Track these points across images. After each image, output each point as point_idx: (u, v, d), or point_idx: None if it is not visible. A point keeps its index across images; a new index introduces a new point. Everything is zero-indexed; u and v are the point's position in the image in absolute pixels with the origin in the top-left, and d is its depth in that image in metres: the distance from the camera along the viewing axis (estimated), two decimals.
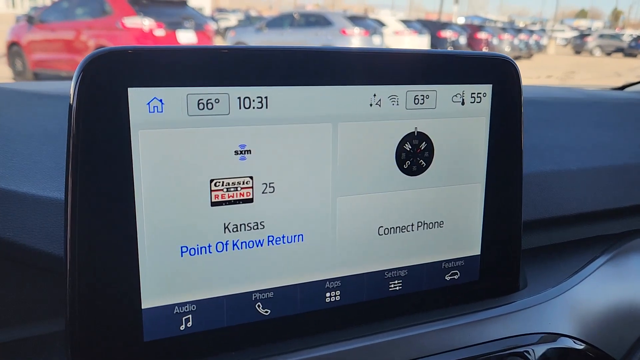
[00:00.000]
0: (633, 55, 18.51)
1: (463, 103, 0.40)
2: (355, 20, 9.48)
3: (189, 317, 0.35)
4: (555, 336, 0.44)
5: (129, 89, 0.31)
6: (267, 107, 0.34)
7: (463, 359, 0.40)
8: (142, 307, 0.33)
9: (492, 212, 0.43)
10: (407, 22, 12.48)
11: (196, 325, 0.35)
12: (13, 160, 0.41)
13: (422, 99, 0.39)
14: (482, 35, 14.58)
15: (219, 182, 0.34)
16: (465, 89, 0.40)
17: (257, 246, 0.36)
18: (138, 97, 0.31)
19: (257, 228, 0.35)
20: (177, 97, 0.32)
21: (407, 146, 0.39)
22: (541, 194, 0.53)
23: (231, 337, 0.36)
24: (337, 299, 0.39)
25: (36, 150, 0.43)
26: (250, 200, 0.35)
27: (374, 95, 0.37)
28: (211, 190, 0.34)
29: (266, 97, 0.34)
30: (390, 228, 0.40)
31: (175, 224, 0.33)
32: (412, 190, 0.40)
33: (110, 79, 0.30)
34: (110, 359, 0.33)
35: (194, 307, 0.35)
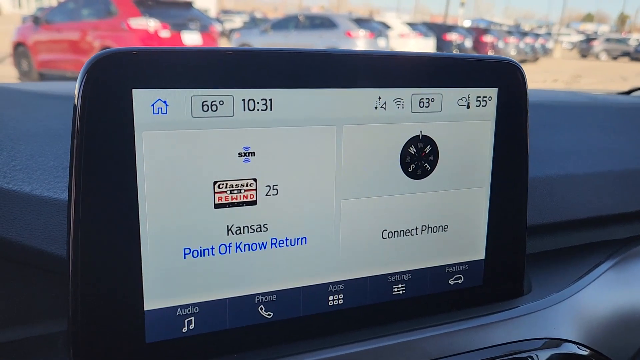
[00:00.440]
0: (639, 60, 18.46)
1: (468, 106, 0.40)
2: (361, 22, 9.48)
3: (191, 319, 0.35)
4: (559, 342, 0.44)
5: (134, 90, 0.31)
6: (271, 109, 0.34)
7: None
8: (145, 309, 0.33)
9: (497, 216, 0.43)
10: (412, 25, 12.48)
11: (199, 327, 0.35)
12: (17, 160, 0.41)
13: (428, 102, 0.38)
14: (487, 38, 14.56)
15: (223, 184, 0.34)
16: (471, 92, 0.40)
17: (261, 249, 0.35)
18: (142, 99, 0.31)
19: (261, 230, 0.35)
20: (181, 98, 0.32)
21: (412, 149, 0.39)
22: (546, 199, 0.53)
23: (234, 339, 0.36)
24: (340, 303, 0.39)
25: (40, 151, 0.43)
26: (254, 203, 0.35)
27: (379, 98, 0.37)
28: (215, 192, 0.34)
29: (271, 100, 0.34)
30: (394, 232, 0.39)
31: (178, 226, 0.33)
32: (417, 193, 0.39)
33: (114, 80, 0.30)
34: (112, 359, 0.33)
35: (196, 309, 0.35)
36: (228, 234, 0.34)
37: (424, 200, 0.40)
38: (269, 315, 0.37)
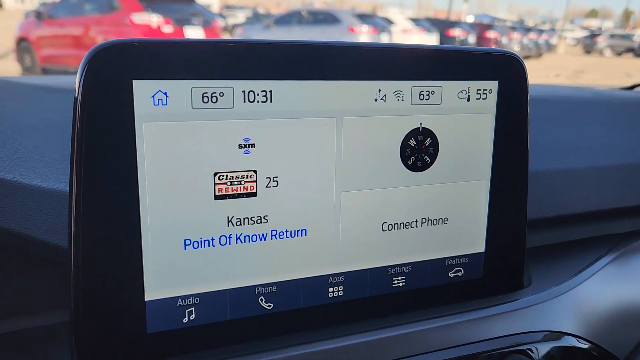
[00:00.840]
0: None
1: (469, 99, 0.40)
2: (364, 18, 9.46)
3: (192, 310, 0.35)
4: (559, 334, 0.44)
5: (134, 82, 0.31)
6: (271, 101, 0.34)
7: (465, 356, 0.40)
8: (146, 299, 0.33)
9: (497, 209, 0.43)
10: (415, 21, 12.44)
11: (199, 318, 0.35)
12: (19, 152, 0.41)
13: (428, 95, 0.38)
14: (491, 34, 14.50)
15: (223, 176, 0.34)
16: (471, 85, 0.40)
17: (261, 240, 0.36)
18: (143, 90, 0.31)
19: (261, 222, 0.35)
20: (181, 90, 0.32)
21: (412, 142, 0.39)
22: (547, 193, 0.53)
23: (234, 330, 0.36)
24: (340, 294, 0.39)
25: (41, 143, 0.43)
26: (254, 194, 0.35)
27: (379, 90, 0.37)
28: (215, 184, 0.34)
29: (271, 91, 0.34)
30: (394, 224, 0.39)
31: (178, 217, 0.33)
32: (417, 186, 0.40)
33: (115, 71, 0.30)
34: (113, 349, 0.33)
35: (197, 300, 0.35)
36: (228, 226, 0.35)
37: (424, 192, 0.40)
38: (269, 306, 0.37)
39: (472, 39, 13.63)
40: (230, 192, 0.34)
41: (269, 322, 0.37)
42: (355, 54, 0.36)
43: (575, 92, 0.95)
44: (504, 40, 14.90)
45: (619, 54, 19.28)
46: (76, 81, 0.30)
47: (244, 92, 0.33)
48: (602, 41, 20.04)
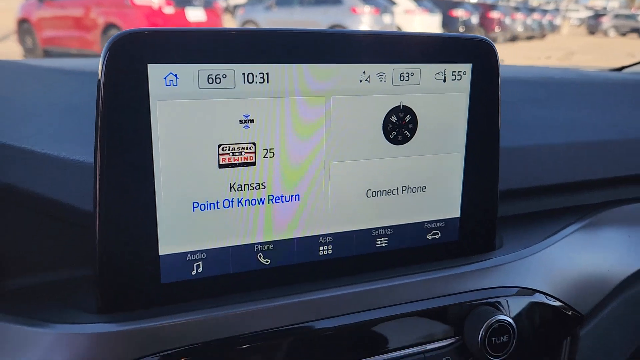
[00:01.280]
0: None
1: (445, 80, 0.45)
2: None
3: (199, 264, 0.40)
4: (527, 291, 0.49)
5: (149, 65, 0.36)
6: (268, 82, 0.39)
7: (440, 307, 0.45)
8: (160, 254, 0.39)
9: (471, 179, 0.48)
10: (418, 1, 12.35)
11: (206, 271, 0.40)
12: (44, 128, 0.46)
13: (407, 76, 0.43)
14: (494, 14, 14.38)
15: (226, 147, 0.39)
16: (447, 67, 0.44)
17: (259, 204, 0.41)
18: (156, 72, 0.36)
19: (259, 188, 0.41)
20: (189, 72, 0.37)
21: (393, 118, 0.43)
22: (523, 165, 0.58)
23: (236, 282, 0.41)
24: (329, 252, 0.44)
25: (62, 120, 0.48)
26: (253, 164, 0.40)
27: (364, 72, 0.42)
28: (219, 154, 0.39)
29: (267, 73, 0.39)
30: (377, 191, 0.45)
31: (188, 183, 0.38)
32: (398, 158, 0.45)
33: (132, 56, 0.35)
34: (132, 297, 0.39)
35: (204, 255, 0.40)
36: (231, 191, 0.40)
37: (404, 163, 0.45)
38: (267, 262, 0.42)
39: (474, 20, 13.54)
40: (232, 162, 0.39)
41: (267, 276, 0.42)
42: (343, 40, 0.41)
43: (562, 74, 1.00)
44: (507, 20, 14.80)
45: (624, 34, 19.12)
46: (99, 65, 0.35)
47: (244, 74, 0.38)
48: (606, 21, 19.87)
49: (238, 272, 0.41)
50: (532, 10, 17.92)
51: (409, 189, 0.46)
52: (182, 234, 0.39)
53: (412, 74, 0.43)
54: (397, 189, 0.45)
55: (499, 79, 0.47)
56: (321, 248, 0.44)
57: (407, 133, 0.44)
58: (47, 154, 0.42)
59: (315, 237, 0.43)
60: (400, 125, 0.44)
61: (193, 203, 0.39)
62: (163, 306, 0.39)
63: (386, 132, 0.44)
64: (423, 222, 0.47)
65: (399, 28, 9.86)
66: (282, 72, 0.39)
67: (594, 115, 0.71)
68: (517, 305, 0.48)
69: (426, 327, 0.45)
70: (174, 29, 0.36)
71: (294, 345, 0.41)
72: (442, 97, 0.45)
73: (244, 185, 0.40)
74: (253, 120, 0.39)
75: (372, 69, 0.42)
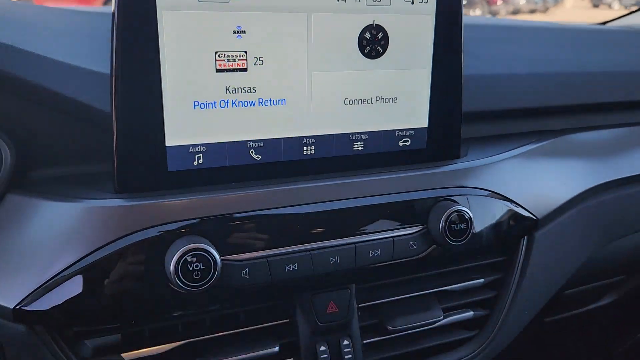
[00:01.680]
0: None
1: (413, 2, 0.51)
2: None
3: (200, 156, 0.47)
4: (485, 191, 0.56)
5: None
6: None
7: (408, 200, 0.52)
8: (167, 145, 0.46)
9: (437, 92, 0.54)
10: None
11: (206, 162, 0.47)
12: (62, 46, 0.52)
13: None
14: None
15: (222, 54, 0.45)
16: None
17: (250, 106, 0.48)
18: None
19: (250, 92, 0.47)
20: None
21: (367, 35, 0.50)
22: (488, 91, 0.65)
23: (232, 173, 0.48)
24: (312, 153, 0.51)
25: (74, 43, 0.55)
26: (245, 70, 0.47)
27: None
28: (216, 60, 0.45)
29: None
30: (354, 100, 0.51)
31: (189, 85, 0.45)
32: (372, 71, 0.51)
33: None
34: (144, 183, 0.46)
35: (204, 148, 0.47)
36: (226, 92, 0.46)
37: (378, 76, 0.52)
38: (258, 157, 0.49)
39: None
40: (227, 67, 0.46)
41: (258, 170, 0.49)
42: None
43: (543, 24, 1.06)
44: None
45: (627, 7, 18.91)
46: None
47: None
48: None
49: (233, 166, 0.48)
50: None
51: (382, 100, 0.53)
52: (185, 128, 0.46)
53: None
54: (372, 98, 0.52)
55: (461, 4, 0.53)
56: (305, 148, 0.51)
57: (380, 49, 0.51)
58: (67, 62, 0.48)
59: (300, 138, 0.50)
60: (373, 42, 0.50)
61: (194, 102, 0.46)
62: (170, 190, 0.46)
63: (361, 47, 0.50)
64: (395, 130, 0.54)
65: None
66: None
67: (560, 53, 0.78)
68: (476, 202, 0.55)
69: (395, 217, 0.52)
70: None
71: (279, 224, 0.48)
72: (410, 18, 0.51)
73: (238, 88, 0.47)
74: (245, 31, 0.46)
75: None
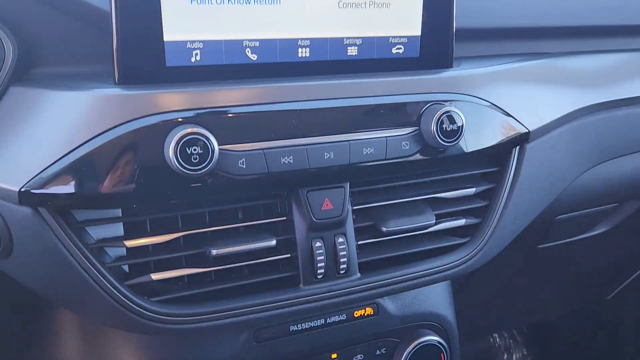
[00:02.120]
0: None
1: None
2: None
3: (197, 52, 0.48)
4: (477, 99, 0.57)
5: None
6: None
7: (401, 102, 0.53)
8: (164, 40, 0.47)
9: (430, 1, 0.55)
10: None
11: (203, 59, 0.49)
12: None
13: None
14: None
15: None
16: None
17: (246, 4, 0.49)
18: None
19: None
20: None
21: None
22: (483, 7, 0.65)
23: (228, 71, 0.50)
24: (307, 55, 0.52)
25: None
26: None
27: None
28: None
29: None
30: (348, 3, 0.52)
31: None
32: None
33: None
34: (144, 77, 0.47)
35: (201, 45, 0.48)
36: None
37: None
38: (254, 57, 0.50)
39: None
40: None
41: (254, 69, 0.51)
42: None
43: None
44: None
45: None
46: None
47: None
48: None
49: (230, 64, 0.50)
50: None
51: (375, 4, 0.54)
52: (182, 23, 0.47)
53: None
54: (365, 3, 0.53)
55: None
56: (300, 50, 0.52)
57: None
58: None
59: (295, 40, 0.51)
60: None
61: None
62: (169, 84, 0.48)
63: None
64: (388, 37, 0.55)
65: None
66: None
67: None
68: (467, 108, 0.56)
69: (389, 118, 0.53)
70: None
71: (275, 119, 0.49)
72: None
73: None
74: None
75: None
